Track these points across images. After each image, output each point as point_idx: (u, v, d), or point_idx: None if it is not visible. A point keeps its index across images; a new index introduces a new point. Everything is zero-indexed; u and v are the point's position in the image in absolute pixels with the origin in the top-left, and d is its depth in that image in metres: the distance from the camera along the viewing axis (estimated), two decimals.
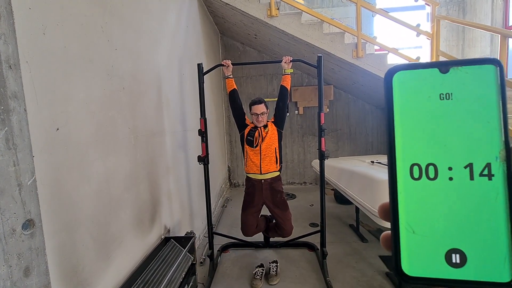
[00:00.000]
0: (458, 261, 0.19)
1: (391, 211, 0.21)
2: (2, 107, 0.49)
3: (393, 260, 0.20)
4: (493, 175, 0.19)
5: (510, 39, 2.34)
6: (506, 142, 0.19)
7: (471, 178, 0.20)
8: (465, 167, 0.20)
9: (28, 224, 0.54)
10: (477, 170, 0.19)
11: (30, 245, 0.54)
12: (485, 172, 0.19)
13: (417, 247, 0.20)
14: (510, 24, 3.73)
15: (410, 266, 0.20)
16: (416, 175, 0.20)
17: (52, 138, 0.91)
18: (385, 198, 0.22)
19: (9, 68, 0.51)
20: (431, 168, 0.20)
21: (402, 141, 0.21)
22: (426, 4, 2.99)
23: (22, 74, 0.62)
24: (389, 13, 2.84)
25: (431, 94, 0.20)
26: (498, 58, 0.20)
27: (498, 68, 0.20)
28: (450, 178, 0.20)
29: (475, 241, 0.19)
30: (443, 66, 0.20)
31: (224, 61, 2.12)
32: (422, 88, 0.21)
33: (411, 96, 0.21)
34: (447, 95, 0.20)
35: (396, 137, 0.21)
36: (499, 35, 2.23)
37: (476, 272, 0.19)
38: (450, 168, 0.20)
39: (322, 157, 2.08)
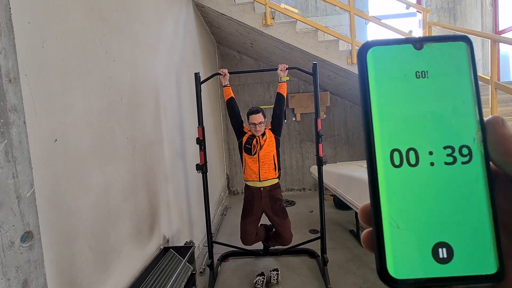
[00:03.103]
0: (445, 255, 0.17)
1: (372, 204, 0.18)
2: (2, 120, 0.49)
3: (376, 262, 0.18)
4: (472, 158, 0.18)
5: (500, 43, 2.39)
6: (481, 122, 0.18)
7: (452, 162, 0.18)
8: (445, 151, 0.18)
9: (27, 236, 0.54)
10: (457, 153, 0.18)
11: (28, 258, 0.54)
12: (465, 155, 0.18)
13: (403, 244, 0.18)
14: (500, 29, 3.82)
15: (397, 267, 0.17)
16: (397, 161, 0.18)
17: (50, 149, 0.92)
18: None
19: (9, 82, 0.52)
20: (411, 153, 0.18)
21: (380, 125, 0.19)
22: (417, 11, 3.06)
23: (21, 87, 0.63)
24: (381, 21, 2.91)
25: (407, 72, 0.19)
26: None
27: (468, 45, 0.19)
28: (432, 164, 0.18)
29: (460, 232, 0.18)
30: (417, 42, 0.19)
31: (221, 70, 2.15)
32: (397, 66, 0.19)
33: (386, 73, 0.19)
34: (423, 73, 0.19)
35: (373, 120, 0.19)
36: (489, 40, 2.28)
37: (463, 267, 0.17)
38: (430, 153, 0.18)
39: (320, 163, 2.08)
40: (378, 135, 0.19)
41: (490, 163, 0.18)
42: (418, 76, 0.19)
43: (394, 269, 0.17)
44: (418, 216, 0.18)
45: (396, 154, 0.18)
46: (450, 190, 0.18)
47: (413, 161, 0.18)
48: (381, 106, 0.19)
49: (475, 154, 0.18)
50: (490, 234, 0.17)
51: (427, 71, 0.19)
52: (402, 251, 0.18)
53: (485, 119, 0.19)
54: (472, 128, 0.18)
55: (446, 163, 0.18)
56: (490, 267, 0.17)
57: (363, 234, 0.21)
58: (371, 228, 0.19)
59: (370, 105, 0.19)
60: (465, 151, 0.18)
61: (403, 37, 0.20)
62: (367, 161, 0.19)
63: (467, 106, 0.18)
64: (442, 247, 0.17)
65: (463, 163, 0.18)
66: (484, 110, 0.19)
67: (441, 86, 0.19)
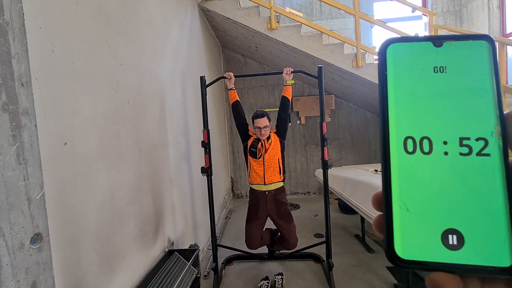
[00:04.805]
0: (455, 242, 0.18)
1: (383, 187, 0.19)
2: (14, 124, 0.50)
3: (384, 242, 0.19)
4: (489, 151, 0.18)
5: (508, 46, 2.36)
6: (501, 116, 0.19)
7: (467, 153, 0.18)
8: (461, 142, 0.19)
9: (36, 238, 0.54)
10: (473, 145, 0.18)
11: (37, 260, 0.55)
12: (481, 148, 0.18)
13: (412, 226, 0.18)
14: (507, 32, 3.78)
15: (404, 248, 0.18)
16: (410, 148, 0.19)
17: (59, 152, 0.93)
18: None
19: (22, 85, 0.53)
20: (425, 141, 0.19)
21: (396, 113, 0.20)
22: (423, 14, 3.05)
23: (32, 90, 0.64)
24: (387, 24, 2.90)
25: (425, 66, 0.20)
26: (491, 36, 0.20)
27: (490, 44, 0.19)
28: (445, 153, 0.19)
29: (473, 221, 0.18)
30: (437, 40, 0.20)
31: (226, 73, 2.16)
32: (416, 61, 0.20)
33: (405, 67, 0.20)
34: (441, 68, 0.20)
35: (389, 109, 0.20)
36: (497, 43, 2.25)
37: (474, 256, 0.17)
38: (445, 142, 0.19)
39: (325, 166, 2.07)
40: (393, 123, 0.19)
41: (511, 157, 0.18)
42: (436, 71, 0.20)
43: (402, 250, 0.18)
44: (429, 202, 0.18)
45: (409, 141, 0.19)
46: (464, 180, 0.18)
47: (426, 149, 0.19)
48: (398, 96, 0.20)
49: (493, 147, 0.18)
50: (506, 226, 0.17)
51: (445, 67, 0.20)
52: (410, 233, 0.18)
53: None
54: (491, 121, 0.19)
55: (461, 154, 0.19)
56: (504, 259, 0.17)
57: (374, 218, 0.21)
58: (382, 213, 0.20)
59: (387, 95, 0.20)
60: (481, 143, 0.18)
61: (423, 35, 0.21)
62: (380, 146, 0.20)
63: (486, 100, 0.19)
64: (452, 234, 0.18)
65: (478, 155, 0.18)
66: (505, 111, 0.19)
67: (459, 81, 0.19)
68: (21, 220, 0.51)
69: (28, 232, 0.53)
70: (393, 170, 0.19)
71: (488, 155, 0.18)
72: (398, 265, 0.18)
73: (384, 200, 0.19)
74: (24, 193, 0.52)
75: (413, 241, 0.18)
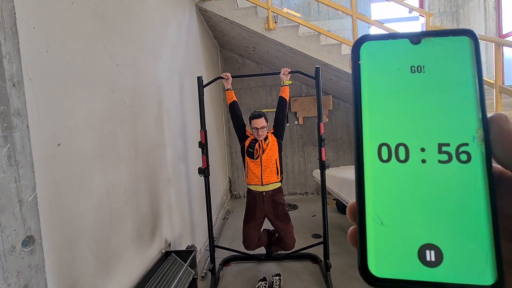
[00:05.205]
0: (433, 258, 0.16)
1: (357, 199, 0.18)
2: (5, 124, 0.49)
3: (358, 258, 0.17)
4: (470, 157, 0.17)
5: (504, 47, 2.38)
6: (484, 120, 0.17)
7: (447, 161, 0.17)
8: (440, 148, 0.17)
9: (28, 240, 0.53)
10: (453, 151, 0.17)
11: (29, 263, 0.54)
12: (462, 153, 0.17)
13: (386, 241, 0.17)
14: (503, 33, 3.80)
15: (378, 265, 0.17)
16: (385, 156, 0.18)
17: (53, 153, 0.92)
18: None
19: (13, 86, 0.52)
20: (401, 148, 0.18)
21: (370, 118, 0.18)
22: (420, 15, 3.06)
23: (25, 91, 0.63)
24: (384, 24, 2.91)
25: (402, 66, 0.18)
26: (474, 33, 0.17)
27: (472, 40, 0.18)
28: (423, 161, 0.17)
29: (452, 235, 0.16)
30: (415, 37, 0.18)
31: (224, 73, 2.15)
32: (391, 60, 0.18)
33: (379, 68, 0.18)
34: (419, 67, 0.18)
35: (363, 113, 0.18)
36: (493, 44, 2.27)
37: (453, 273, 0.16)
38: (422, 149, 0.17)
39: (322, 167, 2.07)
40: (367, 129, 0.18)
41: (493, 164, 0.17)
42: (413, 71, 0.18)
43: (376, 267, 0.17)
44: (405, 214, 0.17)
45: (384, 148, 0.18)
46: (443, 189, 0.17)
47: (402, 157, 0.17)
48: (372, 100, 0.18)
49: (475, 154, 0.17)
50: (488, 240, 0.16)
51: (423, 66, 0.18)
52: (385, 249, 0.17)
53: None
54: (473, 126, 0.17)
55: (440, 161, 0.17)
56: (486, 277, 0.16)
57: (349, 230, 0.20)
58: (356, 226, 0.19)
59: (361, 98, 0.18)
60: (462, 149, 0.17)
61: (400, 31, 0.19)
62: (354, 154, 0.18)
63: (468, 102, 0.17)
64: (430, 249, 0.16)
65: (459, 162, 0.17)
66: (489, 114, 0.18)
67: (438, 82, 0.18)
68: (13, 223, 0.50)
69: (19, 235, 0.52)
70: (367, 180, 0.18)
71: (469, 162, 0.17)
72: (372, 284, 0.17)
73: (358, 213, 0.18)
74: (15, 195, 0.51)
75: (388, 258, 0.17)
